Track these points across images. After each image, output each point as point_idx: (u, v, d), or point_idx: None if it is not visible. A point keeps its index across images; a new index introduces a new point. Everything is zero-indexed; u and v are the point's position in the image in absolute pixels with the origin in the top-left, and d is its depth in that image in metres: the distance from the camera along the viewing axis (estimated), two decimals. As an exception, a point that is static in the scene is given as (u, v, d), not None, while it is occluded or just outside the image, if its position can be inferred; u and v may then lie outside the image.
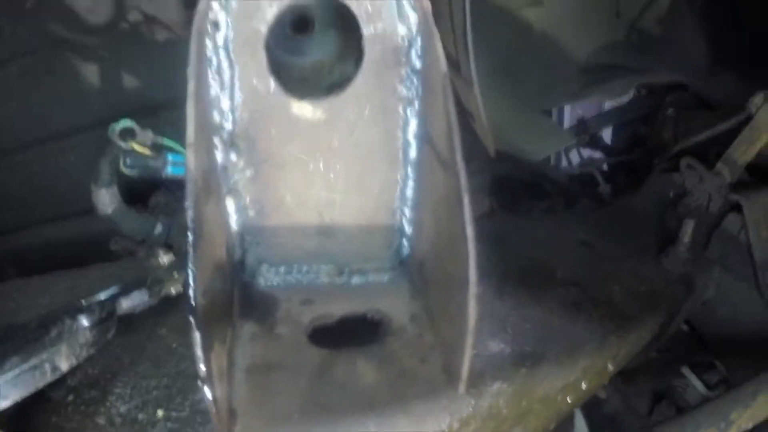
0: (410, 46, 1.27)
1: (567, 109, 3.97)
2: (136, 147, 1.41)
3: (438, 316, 1.29)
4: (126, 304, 1.22)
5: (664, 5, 2.35)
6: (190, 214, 1.02)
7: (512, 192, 2.47)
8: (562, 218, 2.05)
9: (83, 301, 1.20)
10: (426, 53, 1.25)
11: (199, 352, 0.96)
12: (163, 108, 1.78)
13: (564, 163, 2.84)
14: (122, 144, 1.41)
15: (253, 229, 1.40)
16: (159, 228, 1.56)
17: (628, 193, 2.21)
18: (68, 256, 1.74)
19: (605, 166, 2.61)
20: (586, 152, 2.74)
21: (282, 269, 1.45)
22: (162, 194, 1.69)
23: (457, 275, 1.12)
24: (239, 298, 1.39)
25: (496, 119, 2.16)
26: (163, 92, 1.82)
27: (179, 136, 1.50)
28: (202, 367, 0.97)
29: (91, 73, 1.78)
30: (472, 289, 1.07)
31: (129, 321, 1.34)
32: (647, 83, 2.41)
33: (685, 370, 2.28)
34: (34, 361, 1.02)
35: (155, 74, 1.81)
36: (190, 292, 0.97)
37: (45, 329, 1.09)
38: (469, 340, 1.10)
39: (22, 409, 1.15)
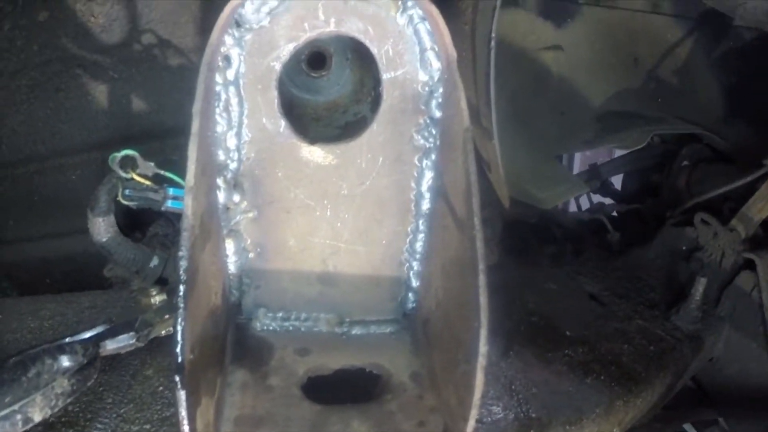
0: (431, 94, 1.15)
1: (577, 154, 3.85)
2: (137, 177, 1.29)
3: (441, 379, 1.16)
4: (111, 345, 1.11)
5: (682, 55, 2.24)
6: (183, 264, 0.91)
7: (520, 236, 2.35)
8: (571, 270, 1.92)
9: (67, 339, 1.10)
10: (447, 104, 1.13)
11: (183, 412, 0.85)
12: (171, 133, 1.67)
13: (573, 207, 2.72)
14: (122, 173, 1.29)
15: (252, 271, 1.27)
16: (155, 261, 1.44)
17: (637, 243, 2.09)
18: (65, 272, 1.64)
19: (615, 213, 2.49)
20: (596, 197, 2.61)
21: (280, 315, 1.32)
22: (161, 225, 1.56)
23: (465, 342, 0.99)
24: (233, 340, 1.27)
25: (509, 164, 2.05)
26: (171, 117, 1.70)
27: (185, 164, 1.38)
28: (187, 428, 0.86)
29: (99, 92, 1.66)
30: (482, 360, 0.95)
31: (114, 357, 1.21)
32: (662, 133, 2.29)
33: (688, 427, 2.15)
34: (4, 411, 0.90)
35: (165, 99, 1.69)
36: (178, 350, 0.86)
37: (24, 368, 0.98)
38: (473, 413, 0.97)
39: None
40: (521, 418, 1.24)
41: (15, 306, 1.43)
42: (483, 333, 0.95)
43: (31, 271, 1.76)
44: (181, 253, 0.91)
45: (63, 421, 1.11)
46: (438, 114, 1.15)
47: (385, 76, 1.14)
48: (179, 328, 0.87)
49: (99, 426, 1.11)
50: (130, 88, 1.64)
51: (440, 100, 1.14)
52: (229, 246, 1.22)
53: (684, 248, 1.90)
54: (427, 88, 1.15)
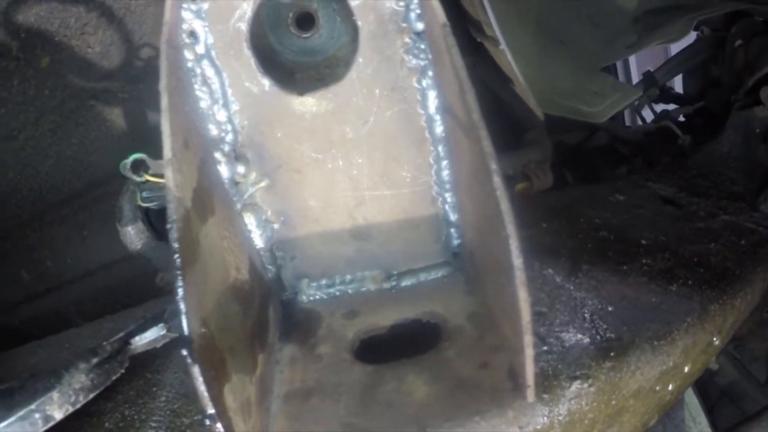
0: (407, 8, 0.99)
1: (633, 66, 3.55)
2: (151, 178, 1.24)
3: (496, 311, 1.02)
4: (141, 341, 1.03)
5: (714, -70, 1.97)
6: (174, 235, 0.82)
7: (587, 162, 2.16)
8: (638, 178, 1.70)
9: (104, 344, 1.04)
10: (425, 11, 1.00)
11: (202, 387, 0.77)
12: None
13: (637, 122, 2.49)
14: (136, 177, 1.24)
15: (282, 243, 1.17)
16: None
17: (710, 140, 1.86)
18: (130, 295, 1.63)
19: (682, 117, 2.24)
20: (660, 108, 2.36)
21: (324, 282, 1.20)
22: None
23: (502, 261, 0.85)
24: (279, 318, 1.16)
25: (553, 86, 1.87)
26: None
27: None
28: (209, 404, 0.77)
29: (116, 116, 1.64)
30: (519, 275, 0.80)
31: (167, 356, 1.19)
32: (706, 18, 2.03)
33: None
34: (20, 411, 0.86)
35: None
36: (184, 323, 0.77)
37: (36, 379, 0.94)
38: (528, 339, 0.83)
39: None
40: (597, 340, 1.05)
41: (79, 333, 1.41)
42: (513, 243, 0.80)
43: (100, 302, 1.76)
44: (169, 225, 0.84)
45: (121, 426, 1.07)
46: (420, 26, 0.99)
47: (353, 3, 1.01)
48: (181, 300, 0.79)
49: (153, 423, 1.06)
50: (141, 104, 1.62)
51: (418, 11, 1.00)
52: (249, 220, 1.12)
53: (758, 130, 1.64)
54: (402, 3, 1.00)
